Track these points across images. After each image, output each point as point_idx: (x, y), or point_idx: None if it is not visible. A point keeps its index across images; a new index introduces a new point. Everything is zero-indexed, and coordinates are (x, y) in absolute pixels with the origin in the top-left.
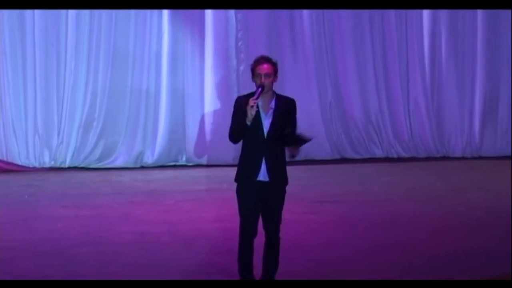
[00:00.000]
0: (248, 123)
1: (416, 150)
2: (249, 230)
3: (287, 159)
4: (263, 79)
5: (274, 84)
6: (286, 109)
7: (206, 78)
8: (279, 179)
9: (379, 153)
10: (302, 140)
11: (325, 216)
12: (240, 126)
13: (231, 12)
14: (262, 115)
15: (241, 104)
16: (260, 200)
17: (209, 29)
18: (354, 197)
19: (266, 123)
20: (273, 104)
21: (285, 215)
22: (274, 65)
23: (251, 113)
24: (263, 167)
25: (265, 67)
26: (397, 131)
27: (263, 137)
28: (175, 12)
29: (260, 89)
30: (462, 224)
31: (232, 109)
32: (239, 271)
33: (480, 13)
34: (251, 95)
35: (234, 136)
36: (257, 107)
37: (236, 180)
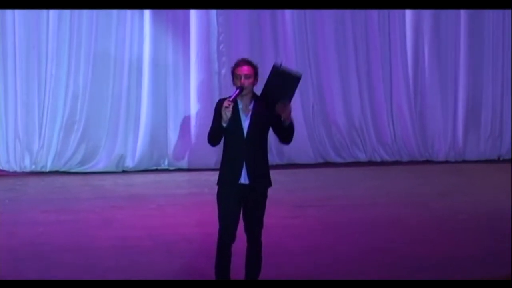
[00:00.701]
0: (224, 124)
1: (399, 154)
2: (227, 235)
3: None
4: (242, 80)
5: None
6: (264, 110)
7: (188, 82)
8: (260, 182)
9: (362, 157)
10: (292, 77)
11: (308, 221)
12: (217, 128)
13: (213, 16)
14: (242, 117)
15: (221, 107)
16: (241, 204)
17: (190, 32)
18: (337, 201)
19: (246, 125)
20: (252, 106)
21: (268, 219)
22: (254, 67)
23: (226, 114)
24: (244, 169)
25: (245, 69)
26: (380, 135)
27: (243, 139)
28: (156, 15)
29: (238, 90)
30: (446, 228)
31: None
32: (216, 277)
33: (463, 17)
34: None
35: (211, 139)
36: (237, 109)
37: (218, 183)
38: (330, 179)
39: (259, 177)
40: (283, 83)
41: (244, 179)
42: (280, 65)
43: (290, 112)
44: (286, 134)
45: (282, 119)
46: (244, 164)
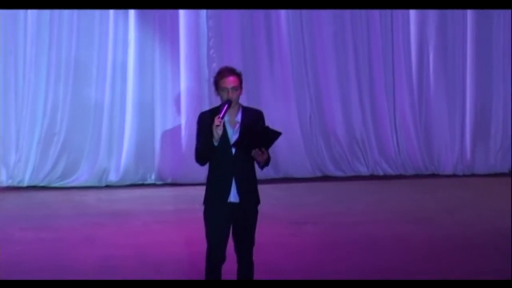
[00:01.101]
0: (216, 143)
1: (403, 167)
2: (216, 255)
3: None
4: (230, 94)
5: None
6: (253, 122)
7: (177, 90)
8: (250, 199)
9: (363, 171)
10: (273, 134)
11: (305, 239)
12: (207, 147)
13: (203, 19)
14: (229, 130)
15: (205, 122)
16: (230, 223)
17: (179, 37)
18: (337, 217)
19: (234, 139)
20: (239, 117)
21: (262, 237)
22: (239, 76)
23: (217, 132)
24: (233, 187)
25: (231, 80)
26: (382, 146)
27: (231, 155)
28: (142, 18)
29: (226, 106)
30: (454, 245)
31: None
32: None
33: (470, 21)
34: (215, 110)
35: (201, 158)
36: (223, 122)
37: (204, 202)
38: (329, 194)
39: (249, 194)
40: (263, 137)
41: (234, 197)
42: (261, 126)
43: (265, 159)
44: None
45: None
46: (234, 181)
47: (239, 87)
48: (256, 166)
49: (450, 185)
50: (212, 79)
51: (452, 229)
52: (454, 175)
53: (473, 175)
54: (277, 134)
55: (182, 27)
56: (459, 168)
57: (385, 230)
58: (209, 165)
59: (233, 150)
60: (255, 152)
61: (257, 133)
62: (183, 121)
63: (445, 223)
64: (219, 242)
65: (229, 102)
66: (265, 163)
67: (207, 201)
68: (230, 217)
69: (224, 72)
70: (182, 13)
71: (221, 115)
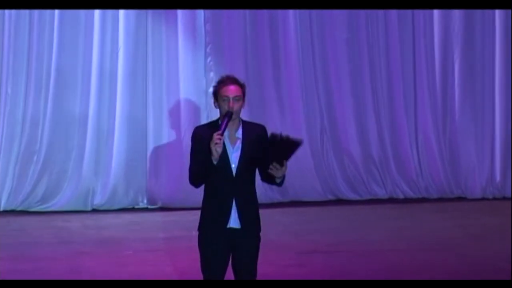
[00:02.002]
0: (215, 162)
1: (426, 190)
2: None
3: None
4: (231, 104)
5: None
6: (255, 138)
7: (171, 102)
8: (252, 224)
9: (381, 193)
10: (293, 143)
11: (316, 270)
12: (204, 166)
13: (200, 23)
14: (229, 148)
15: (201, 137)
16: (229, 252)
17: (175, 43)
18: (351, 246)
19: (234, 158)
20: (240, 133)
21: (267, 267)
22: (242, 87)
23: (216, 150)
24: (234, 211)
25: (232, 89)
26: (402, 166)
27: (232, 175)
28: (132, 21)
29: (227, 119)
30: (483, 279)
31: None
32: None
33: (498, 28)
34: (213, 124)
35: (195, 179)
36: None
37: (199, 228)
38: (343, 219)
39: (251, 219)
40: (281, 148)
41: (234, 222)
42: (280, 135)
43: (283, 173)
44: (273, 182)
45: (274, 175)
46: (234, 204)
47: (241, 98)
48: (261, 187)
49: (479, 210)
50: (209, 90)
51: (481, 260)
52: (484, 199)
53: (504, 198)
54: (297, 144)
55: (178, 32)
56: (489, 190)
57: (406, 261)
58: (205, 187)
59: (234, 170)
60: (273, 167)
61: (276, 143)
62: (179, 137)
63: (473, 253)
64: (216, 273)
65: (229, 114)
66: (283, 179)
67: (202, 226)
68: (229, 245)
69: (226, 80)
70: (178, 16)
71: (221, 130)
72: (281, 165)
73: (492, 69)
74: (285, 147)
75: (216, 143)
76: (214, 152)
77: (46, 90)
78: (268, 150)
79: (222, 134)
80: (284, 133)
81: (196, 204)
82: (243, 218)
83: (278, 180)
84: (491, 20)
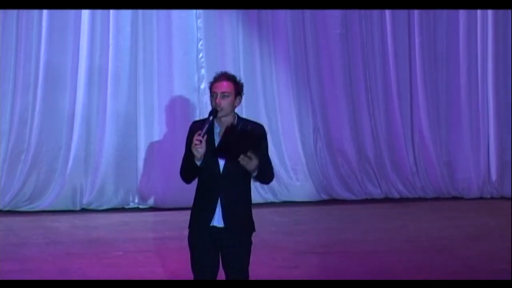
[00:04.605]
0: (198, 163)
1: (422, 189)
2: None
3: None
4: (218, 100)
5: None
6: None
7: (163, 99)
8: (238, 225)
9: (376, 193)
10: (252, 132)
11: (310, 271)
12: (190, 166)
13: (192, 18)
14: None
15: (193, 134)
16: (217, 251)
17: (166, 39)
18: (346, 247)
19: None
20: None
21: (258, 270)
22: (236, 84)
23: (197, 151)
24: (218, 209)
25: (223, 85)
26: (398, 165)
27: (219, 173)
28: (122, 17)
29: (210, 118)
30: (479, 280)
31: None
32: None
33: (491, 27)
34: (207, 121)
35: (185, 175)
36: (213, 135)
37: (189, 226)
38: (337, 220)
39: (237, 219)
40: (243, 141)
41: (217, 221)
42: (237, 126)
43: (255, 165)
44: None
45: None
46: (219, 203)
47: (232, 94)
48: (253, 187)
49: (476, 210)
50: (201, 88)
51: (477, 261)
52: (481, 198)
53: (502, 198)
54: (256, 136)
55: (169, 28)
56: (486, 190)
57: (402, 261)
58: (196, 184)
59: (221, 168)
60: (242, 159)
61: (237, 136)
62: (171, 136)
63: (470, 254)
64: (205, 272)
65: (212, 112)
66: (258, 174)
67: (191, 224)
68: (215, 244)
69: (219, 76)
70: (169, 13)
71: (202, 131)
72: (249, 158)
73: (487, 68)
74: (245, 140)
75: (196, 144)
76: (195, 153)
77: (35, 88)
78: (228, 142)
79: (202, 135)
80: (247, 126)
81: (188, 203)
82: (227, 217)
83: (253, 174)
84: (491, 20)
